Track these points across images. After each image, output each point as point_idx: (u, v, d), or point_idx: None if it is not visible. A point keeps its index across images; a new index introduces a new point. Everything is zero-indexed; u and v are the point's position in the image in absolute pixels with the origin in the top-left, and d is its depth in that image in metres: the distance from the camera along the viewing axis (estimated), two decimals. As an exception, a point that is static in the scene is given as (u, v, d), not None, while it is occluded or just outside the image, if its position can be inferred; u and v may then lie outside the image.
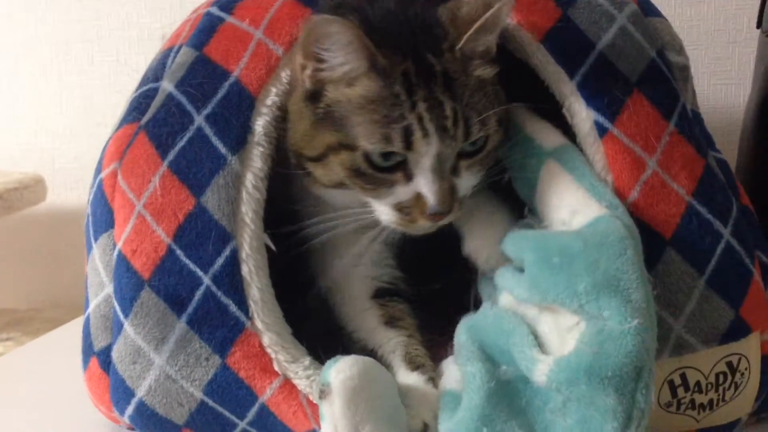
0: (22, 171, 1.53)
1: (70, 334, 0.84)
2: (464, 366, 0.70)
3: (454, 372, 0.73)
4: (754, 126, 1.07)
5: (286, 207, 0.83)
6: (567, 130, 0.79)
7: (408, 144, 0.71)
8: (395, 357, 0.78)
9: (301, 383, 0.74)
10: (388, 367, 0.78)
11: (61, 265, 1.64)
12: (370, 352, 0.80)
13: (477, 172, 0.77)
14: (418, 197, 0.73)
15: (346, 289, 0.84)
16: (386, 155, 0.73)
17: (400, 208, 0.75)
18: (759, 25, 1.10)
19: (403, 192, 0.74)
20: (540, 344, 0.68)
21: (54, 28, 1.61)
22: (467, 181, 0.76)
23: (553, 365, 0.64)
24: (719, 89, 1.45)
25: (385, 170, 0.74)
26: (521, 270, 0.72)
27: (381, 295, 0.85)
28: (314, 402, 0.73)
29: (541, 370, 0.65)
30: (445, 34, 0.74)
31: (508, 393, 0.68)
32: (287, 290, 0.78)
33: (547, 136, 0.79)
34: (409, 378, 0.75)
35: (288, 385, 0.74)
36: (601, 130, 0.77)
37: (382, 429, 0.67)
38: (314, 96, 0.75)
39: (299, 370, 0.74)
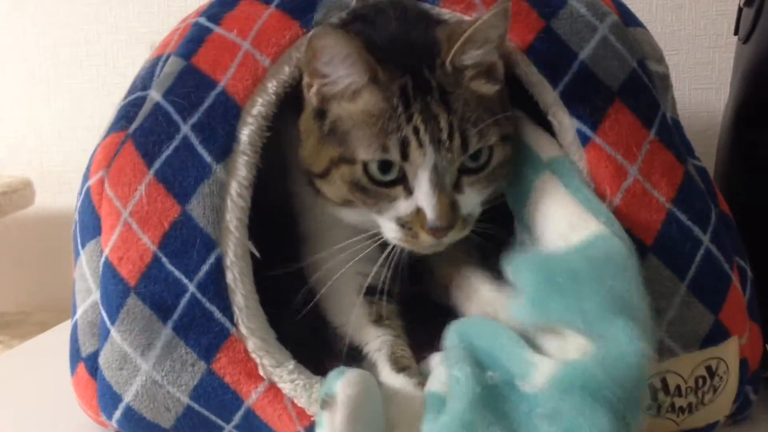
0: (10, 174, 1.53)
1: (59, 337, 0.84)
2: (451, 369, 0.70)
3: (439, 374, 0.73)
4: (730, 131, 1.08)
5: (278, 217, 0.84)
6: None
7: (404, 155, 0.72)
8: (381, 356, 0.79)
9: (285, 387, 0.74)
10: (372, 365, 0.79)
11: (49, 268, 1.64)
12: (356, 349, 0.81)
13: (482, 189, 0.77)
14: (419, 212, 0.74)
15: (335, 284, 0.84)
16: (385, 169, 0.74)
17: (402, 223, 0.75)
18: (736, 32, 1.12)
19: (403, 206, 0.75)
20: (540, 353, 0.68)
21: (42, 31, 1.61)
22: (471, 199, 0.76)
23: (554, 370, 0.64)
24: (699, 94, 1.46)
25: (384, 184, 0.74)
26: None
27: (370, 292, 0.85)
28: (299, 405, 0.74)
29: (537, 374, 0.66)
30: (440, 51, 0.75)
31: (493, 398, 0.67)
32: (272, 289, 0.79)
33: (545, 147, 0.79)
34: (396, 380, 0.76)
35: (273, 389, 0.75)
36: (584, 139, 0.78)
37: (393, 408, 0.69)
38: (320, 114, 0.77)
39: (284, 374, 0.74)
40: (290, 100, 0.80)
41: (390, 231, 0.77)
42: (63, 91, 1.62)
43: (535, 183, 0.77)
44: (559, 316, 0.67)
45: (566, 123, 0.79)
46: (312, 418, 0.73)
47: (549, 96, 0.79)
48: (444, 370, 0.73)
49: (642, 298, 0.67)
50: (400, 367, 0.77)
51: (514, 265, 0.73)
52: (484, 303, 0.80)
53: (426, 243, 0.75)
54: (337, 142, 0.75)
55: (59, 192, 1.63)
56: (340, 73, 0.74)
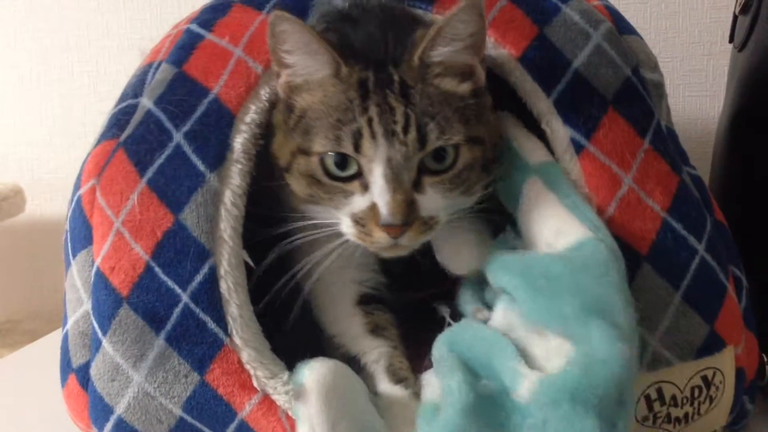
0: (0, 182, 1.52)
1: (49, 347, 0.83)
2: (443, 379, 0.70)
3: (435, 384, 0.73)
4: (726, 139, 1.08)
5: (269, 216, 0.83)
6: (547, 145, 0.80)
7: (357, 146, 0.72)
8: (378, 367, 0.79)
9: (280, 399, 0.73)
10: (370, 376, 0.78)
11: (40, 276, 1.63)
12: (352, 359, 0.80)
13: (447, 192, 0.75)
14: (373, 207, 0.73)
15: (330, 293, 0.84)
16: (342, 165, 0.73)
17: (356, 219, 0.74)
18: (731, 39, 1.12)
19: (359, 202, 0.74)
20: (527, 360, 0.68)
21: (33, 37, 1.61)
22: (434, 201, 0.74)
23: (538, 383, 0.64)
24: (694, 101, 1.46)
25: (341, 179, 0.74)
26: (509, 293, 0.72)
27: (365, 301, 0.84)
28: (293, 417, 0.73)
29: (525, 386, 0.65)
30: (412, 48, 0.75)
31: (487, 406, 0.67)
32: (265, 297, 0.78)
33: (533, 152, 0.79)
34: (393, 391, 0.76)
35: (267, 401, 0.74)
36: (578, 147, 0.78)
37: (357, 426, 0.68)
38: (288, 107, 0.77)
39: (278, 386, 0.74)
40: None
41: (345, 227, 0.75)
42: (54, 97, 1.62)
43: (523, 188, 0.77)
44: (540, 318, 0.67)
45: (560, 131, 0.79)
46: None
47: (543, 104, 0.79)
48: (437, 380, 0.73)
49: (625, 303, 0.67)
50: (397, 379, 0.77)
51: (494, 266, 0.74)
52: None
53: (380, 241, 0.73)
54: (300, 134, 0.75)
55: (50, 199, 1.62)
56: (301, 62, 0.74)
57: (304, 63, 0.74)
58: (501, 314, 0.74)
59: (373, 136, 0.71)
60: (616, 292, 0.67)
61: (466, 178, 0.75)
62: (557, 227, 0.73)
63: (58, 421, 0.86)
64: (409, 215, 0.72)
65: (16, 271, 1.65)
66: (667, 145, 0.81)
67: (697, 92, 1.46)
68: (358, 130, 0.72)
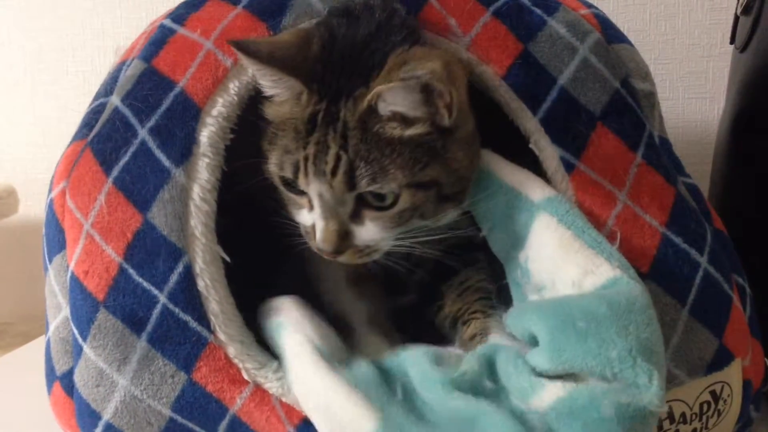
0: (-6, 182, 1.51)
1: (42, 348, 0.83)
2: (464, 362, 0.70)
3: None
4: (727, 142, 1.07)
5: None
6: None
7: (296, 177, 0.73)
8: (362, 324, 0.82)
9: (272, 386, 0.73)
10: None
11: (33, 277, 1.61)
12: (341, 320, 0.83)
13: (389, 227, 0.74)
14: (314, 227, 0.75)
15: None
16: (294, 181, 0.74)
17: (305, 230, 0.77)
18: (732, 40, 1.11)
19: (306, 217, 0.76)
20: None
21: (28, 37, 1.60)
22: (371, 232, 0.74)
23: (557, 401, 0.62)
24: (693, 103, 1.45)
25: (294, 191, 0.75)
26: (532, 343, 0.68)
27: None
28: (287, 403, 0.73)
29: (541, 400, 0.64)
30: (374, 80, 0.71)
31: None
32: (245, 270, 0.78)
33: (533, 188, 0.75)
34: (372, 337, 0.80)
35: (259, 391, 0.74)
36: (568, 167, 0.76)
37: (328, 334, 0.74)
38: (265, 102, 0.77)
39: (269, 374, 0.74)
40: None
41: (302, 229, 0.78)
42: (48, 98, 1.61)
43: (532, 227, 0.74)
44: (581, 362, 0.63)
45: (548, 151, 0.77)
46: (302, 415, 0.72)
47: (530, 123, 0.77)
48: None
49: (663, 349, 0.65)
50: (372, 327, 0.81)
51: (518, 313, 0.71)
52: None
53: (322, 255, 0.76)
54: (269, 135, 0.75)
55: (43, 200, 1.59)
56: (267, 83, 0.74)
57: (269, 85, 0.74)
58: None
59: (306, 174, 0.72)
60: (660, 342, 0.65)
61: (409, 217, 0.74)
62: (584, 266, 0.70)
63: (51, 423, 0.84)
64: (340, 245, 0.74)
65: (9, 273, 1.64)
66: (661, 156, 0.79)
67: (696, 94, 1.45)
68: (296, 163, 0.73)
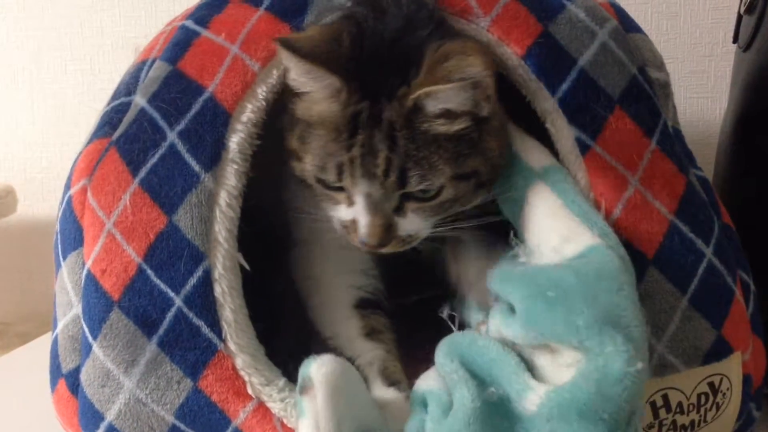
0: (-8, 181, 1.50)
1: (41, 349, 0.83)
2: (454, 389, 0.68)
3: (426, 374, 0.73)
4: (730, 142, 1.07)
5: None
6: (550, 146, 0.79)
7: (340, 179, 0.73)
8: (372, 370, 0.78)
9: (275, 406, 0.73)
10: (364, 378, 0.77)
11: (32, 277, 1.62)
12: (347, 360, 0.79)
13: (428, 216, 0.76)
14: (355, 222, 0.75)
15: (328, 296, 0.84)
16: None
17: (343, 225, 0.77)
18: (735, 39, 1.11)
19: (344, 212, 0.76)
20: (532, 372, 0.67)
21: (27, 35, 1.59)
22: (414, 223, 0.75)
23: (545, 397, 0.63)
24: (695, 103, 1.46)
25: (330, 188, 0.75)
26: (511, 309, 0.70)
27: (363, 305, 0.84)
28: (288, 426, 0.72)
29: (531, 400, 0.64)
30: (414, 76, 0.72)
31: (493, 414, 0.66)
32: (259, 298, 0.77)
33: (535, 156, 0.77)
34: (386, 393, 0.76)
35: (262, 408, 0.73)
36: (583, 148, 0.76)
37: (360, 425, 0.67)
38: (294, 100, 0.76)
39: (273, 393, 0.73)
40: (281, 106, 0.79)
41: (335, 222, 0.78)
42: (47, 96, 1.60)
43: (527, 193, 0.76)
44: (551, 331, 0.65)
45: (565, 131, 0.77)
46: None
47: (547, 103, 0.78)
48: (431, 372, 0.73)
49: (637, 315, 0.65)
50: (390, 382, 0.77)
51: (499, 278, 0.72)
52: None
53: (362, 248, 0.76)
54: (299, 135, 0.75)
55: (42, 200, 1.60)
56: (303, 80, 0.74)
57: (305, 81, 0.73)
58: (494, 330, 0.72)
59: (353, 175, 0.72)
60: (630, 304, 0.65)
61: (450, 206, 0.76)
62: (565, 234, 0.72)
63: (50, 424, 0.84)
64: (385, 237, 0.74)
65: (8, 273, 1.63)
66: (674, 145, 0.79)
67: (698, 94, 1.45)
68: (340, 165, 0.72)
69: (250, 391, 0.73)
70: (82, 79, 1.59)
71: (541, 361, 0.67)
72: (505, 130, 0.79)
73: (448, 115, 0.72)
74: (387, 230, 0.74)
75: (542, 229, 0.74)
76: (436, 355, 0.73)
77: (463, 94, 0.71)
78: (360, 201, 0.74)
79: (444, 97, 0.70)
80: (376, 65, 0.73)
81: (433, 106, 0.71)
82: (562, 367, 0.65)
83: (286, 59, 0.73)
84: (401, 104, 0.71)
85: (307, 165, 0.75)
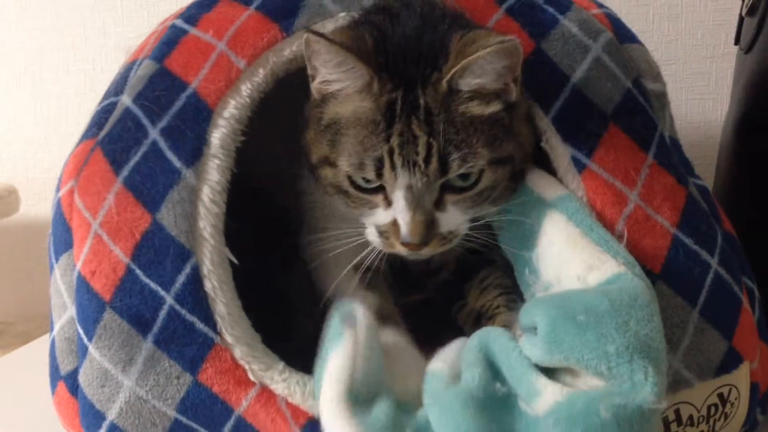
0: (-6, 181, 1.51)
1: (42, 348, 0.83)
2: (466, 367, 0.69)
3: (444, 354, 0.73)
4: (733, 142, 1.07)
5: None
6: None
7: (379, 174, 0.72)
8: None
9: (278, 388, 0.73)
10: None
11: (34, 277, 1.62)
12: None
13: (468, 208, 0.75)
14: (395, 223, 0.74)
15: (333, 266, 0.84)
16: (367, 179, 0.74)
17: (380, 231, 0.75)
18: (737, 41, 1.10)
19: (382, 216, 0.75)
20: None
21: (29, 35, 1.59)
22: (454, 217, 0.75)
23: (554, 406, 0.62)
24: (696, 104, 1.46)
25: (366, 191, 0.75)
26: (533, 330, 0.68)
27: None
28: (293, 403, 0.72)
29: (545, 399, 0.63)
30: (443, 64, 0.73)
31: (495, 408, 0.66)
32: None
33: (546, 186, 0.77)
34: (385, 335, 0.77)
35: (265, 392, 0.73)
36: (579, 166, 0.77)
37: (377, 364, 0.70)
38: (321, 110, 0.76)
39: (275, 375, 0.73)
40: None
41: (370, 234, 0.77)
42: (49, 96, 1.61)
43: (542, 224, 0.75)
44: (579, 355, 0.63)
45: (560, 149, 0.77)
46: (308, 415, 0.72)
47: (542, 122, 0.78)
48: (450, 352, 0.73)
49: (664, 347, 0.65)
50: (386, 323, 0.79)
51: (525, 310, 0.70)
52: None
53: (402, 252, 0.75)
54: (329, 140, 0.75)
55: (45, 199, 1.60)
56: (335, 76, 0.73)
57: (337, 77, 0.73)
58: None
59: (393, 167, 0.72)
60: (659, 335, 0.65)
61: (488, 196, 0.76)
62: (589, 261, 0.71)
63: (51, 424, 0.84)
64: (427, 235, 0.73)
65: (10, 272, 1.63)
66: (672, 157, 0.79)
67: (699, 95, 1.45)
68: (379, 159, 0.72)
69: (252, 378, 0.73)
70: (84, 79, 1.59)
71: (560, 376, 0.66)
72: (532, 119, 0.78)
73: (481, 96, 0.72)
74: (428, 227, 0.73)
75: (563, 259, 0.73)
76: (470, 339, 0.73)
77: (496, 62, 0.70)
78: (399, 198, 0.73)
79: (478, 68, 0.70)
80: (402, 59, 0.73)
81: (467, 85, 0.71)
82: (580, 386, 0.64)
83: (323, 50, 0.72)
84: (436, 89, 0.72)
85: (343, 167, 0.74)
